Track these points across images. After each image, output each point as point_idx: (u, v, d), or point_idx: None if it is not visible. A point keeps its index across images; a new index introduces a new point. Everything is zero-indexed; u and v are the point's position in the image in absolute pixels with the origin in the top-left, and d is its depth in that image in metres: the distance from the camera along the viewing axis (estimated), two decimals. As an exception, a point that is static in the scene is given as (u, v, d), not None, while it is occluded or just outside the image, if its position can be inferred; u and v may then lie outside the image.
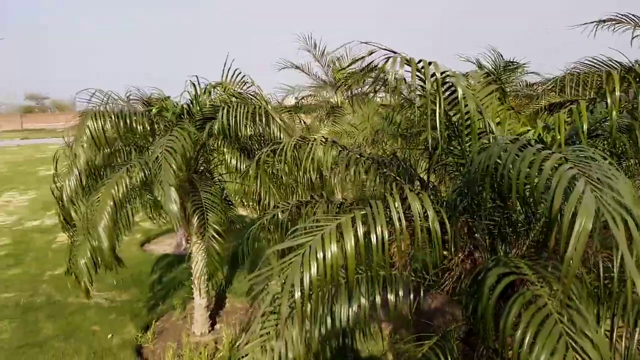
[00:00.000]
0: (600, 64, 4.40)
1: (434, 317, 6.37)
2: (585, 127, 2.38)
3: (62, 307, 8.20)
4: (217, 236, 5.93)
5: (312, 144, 3.58)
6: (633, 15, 4.61)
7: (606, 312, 2.64)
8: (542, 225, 3.05)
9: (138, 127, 5.94)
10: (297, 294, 2.30)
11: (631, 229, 1.75)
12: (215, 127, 5.87)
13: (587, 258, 2.61)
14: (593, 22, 4.82)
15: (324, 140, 3.57)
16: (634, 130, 2.91)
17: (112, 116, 5.71)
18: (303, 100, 11.04)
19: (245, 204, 6.98)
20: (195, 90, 6.66)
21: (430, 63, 2.95)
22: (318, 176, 5.55)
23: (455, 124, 3.32)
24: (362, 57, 3.00)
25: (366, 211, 2.59)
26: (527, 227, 3.06)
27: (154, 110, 6.52)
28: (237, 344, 3.22)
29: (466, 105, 3.10)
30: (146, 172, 5.60)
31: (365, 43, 3.14)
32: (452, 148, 3.48)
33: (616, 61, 4.28)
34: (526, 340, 2.02)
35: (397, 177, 3.64)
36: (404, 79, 3.14)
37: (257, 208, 6.43)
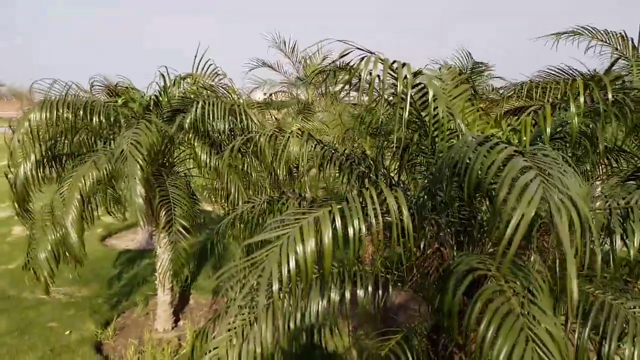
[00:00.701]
0: (561, 72, 4.63)
1: (398, 313, 6.49)
2: (549, 130, 2.50)
3: (16, 302, 7.86)
4: (184, 231, 5.84)
5: (289, 136, 3.58)
6: (591, 27, 4.89)
7: (562, 307, 2.77)
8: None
9: (99, 118, 5.74)
10: (275, 287, 2.28)
11: (574, 220, 1.82)
12: (187, 120, 5.78)
13: (547, 255, 2.74)
14: (552, 34, 5.09)
15: (300, 133, 3.58)
16: (594, 133, 3.07)
17: (62, 109, 5.47)
18: (273, 96, 10.99)
19: (214, 199, 6.90)
20: (165, 81, 6.52)
21: (404, 64, 3.00)
22: (287, 174, 5.55)
23: (426, 124, 3.39)
24: (334, 61, 3.02)
25: (343, 205, 2.61)
26: (493, 225, 3.16)
27: (119, 101, 6.34)
28: (203, 333, 3.17)
29: (436, 107, 3.19)
30: (110, 165, 5.44)
31: (341, 41, 3.16)
32: (422, 147, 3.56)
33: (577, 70, 4.52)
34: (489, 335, 2.08)
35: (370, 175, 3.69)
36: (378, 76, 3.19)
37: (225, 204, 6.37)
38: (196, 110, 5.51)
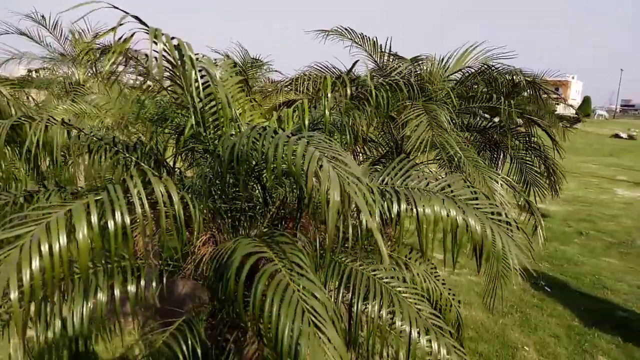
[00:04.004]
0: (326, 69, 5.22)
1: (187, 301, 6.39)
2: (307, 121, 2.77)
3: None
4: None
5: (39, 124, 3.09)
6: (350, 29, 5.58)
7: (322, 277, 3.15)
8: (277, 206, 3.42)
9: None
10: (14, 295, 1.98)
11: (367, 196, 2.10)
12: None
13: (308, 231, 3.05)
14: (319, 30, 5.61)
15: (54, 120, 3.13)
16: (348, 126, 3.54)
17: None
18: (35, 73, 9.35)
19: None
20: None
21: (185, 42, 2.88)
22: (53, 164, 4.83)
23: (202, 110, 3.37)
24: (110, 30, 2.67)
25: (103, 196, 2.42)
26: (264, 209, 3.37)
27: None
28: None
29: (213, 92, 3.20)
30: None
31: (115, 8, 2.83)
32: (199, 134, 3.53)
33: (337, 68, 5.17)
34: (274, 314, 2.20)
35: (142, 163, 3.49)
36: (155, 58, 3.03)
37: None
38: None
